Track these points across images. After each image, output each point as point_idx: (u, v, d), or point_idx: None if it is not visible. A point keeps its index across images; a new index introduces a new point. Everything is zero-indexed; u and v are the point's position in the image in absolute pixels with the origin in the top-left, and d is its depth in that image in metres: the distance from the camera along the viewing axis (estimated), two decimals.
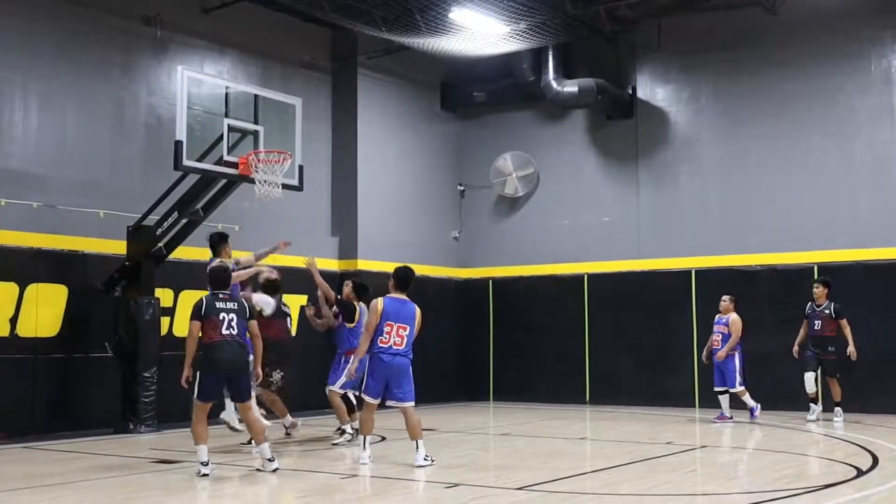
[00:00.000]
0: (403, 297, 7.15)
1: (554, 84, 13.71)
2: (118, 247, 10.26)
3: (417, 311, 7.16)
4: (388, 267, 7.37)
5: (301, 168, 10.22)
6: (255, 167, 9.34)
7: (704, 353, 11.21)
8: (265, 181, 9.36)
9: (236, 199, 10.85)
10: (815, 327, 10.82)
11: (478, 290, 14.94)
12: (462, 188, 15.19)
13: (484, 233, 15.12)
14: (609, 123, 14.15)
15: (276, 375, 8.60)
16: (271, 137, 9.64)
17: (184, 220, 10.02)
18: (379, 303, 7.02)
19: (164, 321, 10.62)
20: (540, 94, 13.93)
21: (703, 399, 12.61)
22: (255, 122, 9.53)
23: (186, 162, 9.12)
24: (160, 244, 10.09)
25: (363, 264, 13.25)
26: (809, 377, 10.72)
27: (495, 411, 13.15)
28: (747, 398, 10.88)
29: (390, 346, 6.97)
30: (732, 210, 13.24)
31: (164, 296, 10.65)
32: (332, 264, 13.18)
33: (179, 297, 10.97)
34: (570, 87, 13.56)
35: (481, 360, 14.71)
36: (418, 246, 14.25)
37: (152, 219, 10.16)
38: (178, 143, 9.01)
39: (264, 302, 8.55)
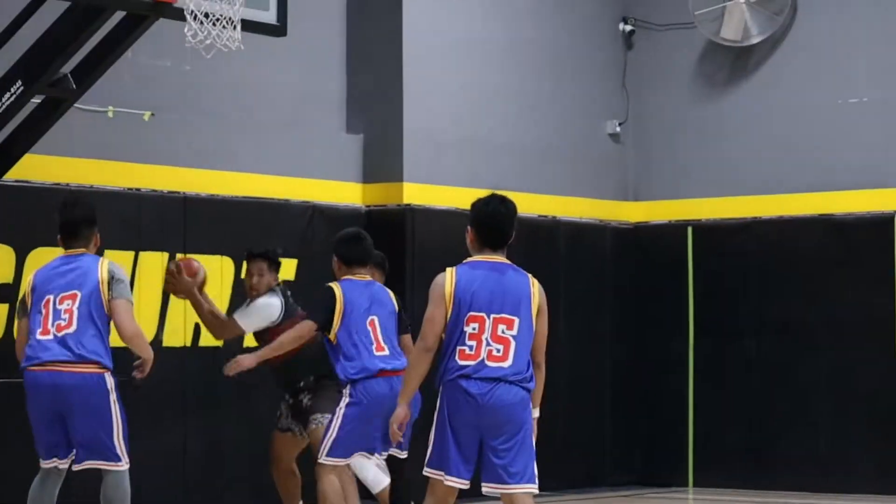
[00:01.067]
0: (500, 259, 7.56)
1: None
2: None
3: (535, 286, 7.54)
4: (466, 200, 7.62)
5: None
6: None
7: None
8: (208, 15, 9.82)
9: (146, 55, 11.43)
10: None
11: (663, 247, 15.70)
12: (630, 28, 15.89)
13: (676, 124, 15.70)
14: None
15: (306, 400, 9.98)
16: None
17: (36, 98, 10.39)
18: (448, 277, 7.49)
19: None
20: None
21: None
22: None
23: None
24: None
25: (414, 193, 13.76)
26: None
27: None
28: None
29: (482, 363, 7.33)
30: None
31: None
32: (351, 193, 13.83)
33: (27, 259, 11.37)
34: None
35: (671, 398, 15.33)
36: (534, 154, 14.87)
37: None
38: None
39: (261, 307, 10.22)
